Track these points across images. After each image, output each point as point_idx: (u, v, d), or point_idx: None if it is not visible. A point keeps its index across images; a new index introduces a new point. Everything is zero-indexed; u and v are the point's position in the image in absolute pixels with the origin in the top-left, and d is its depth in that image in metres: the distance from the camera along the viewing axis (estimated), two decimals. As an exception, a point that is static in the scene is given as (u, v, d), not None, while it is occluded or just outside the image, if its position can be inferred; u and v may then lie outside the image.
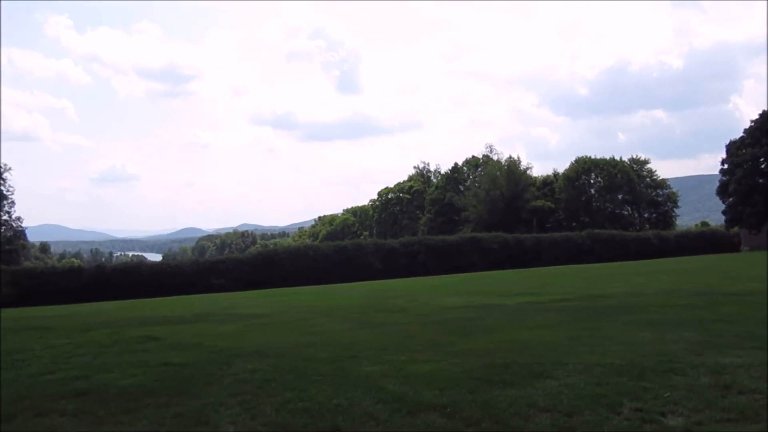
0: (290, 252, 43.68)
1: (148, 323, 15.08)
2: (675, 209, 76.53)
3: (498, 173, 72.23)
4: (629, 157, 77.95)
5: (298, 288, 31.70)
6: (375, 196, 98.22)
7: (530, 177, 75.65)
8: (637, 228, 68.81)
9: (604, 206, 74.03)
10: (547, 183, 77.32)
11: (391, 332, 11.43)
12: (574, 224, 68.26)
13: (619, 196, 74.33)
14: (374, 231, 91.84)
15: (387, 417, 5.46)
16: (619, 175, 72.97)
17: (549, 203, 72.48)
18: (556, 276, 27.82)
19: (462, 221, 74.11)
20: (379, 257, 43.01)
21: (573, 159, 77.12)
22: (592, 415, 5.28)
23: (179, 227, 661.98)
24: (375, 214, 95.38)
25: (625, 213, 75.08)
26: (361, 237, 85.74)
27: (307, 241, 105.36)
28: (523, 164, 75.31)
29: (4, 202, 58.59)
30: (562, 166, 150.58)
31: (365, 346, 9.58)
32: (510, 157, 75.97)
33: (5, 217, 59.47)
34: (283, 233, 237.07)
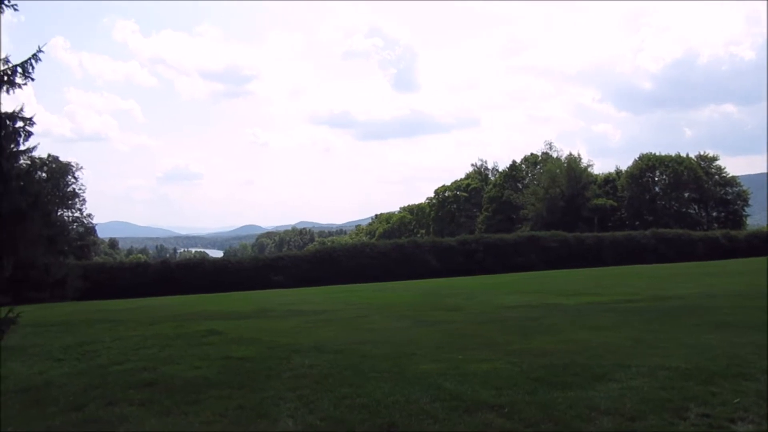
0: (347, 249, 43.99)
1: (210, 318, 15.52)
2: (745, 208, 73.20)
3: (557, 171, 70.76)
4: (696, 153, 74.97)
5: (355, 285, 31.93)
6: (432, 194, 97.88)
7: (591, 174, 73.77)
8: (705, 227, 66.16)
9: (670, 205, 71.53)
10: (609, 181, 75.27)
11: (448, 330, 11.39)
12: (637, 223, 66.22)
13: (686, 195, 71.63)
14: (431, 229, 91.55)
15: (444, 415, 5.45)
16: (685, 173, 70.33)
17: (611, 201, 70.56)
18: (618, 276, 27.08)
19: (520, 219, 73.00)
20: (436, 255, 42.81)
21: (636, 156, 74.76)
22: (657, 420, 5.14)
23: (239, 225, 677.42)
24: (432, 212, 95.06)
25: (692, 212, 72.30)
26: (418, 235, 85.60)
27: (363, 238, 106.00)
28: (584, 161, 73.46)
29: (77, 199, 61.21)
30: (624, 163, 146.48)
31: (421, 344, 9.59)
32: (570, 154, 74.27)
33: (77, 214, 62.15)
34: (340, 231, 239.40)
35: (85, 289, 32.71)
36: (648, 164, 72.50)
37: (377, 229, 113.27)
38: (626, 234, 48.86)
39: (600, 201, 69.59)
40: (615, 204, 70.82)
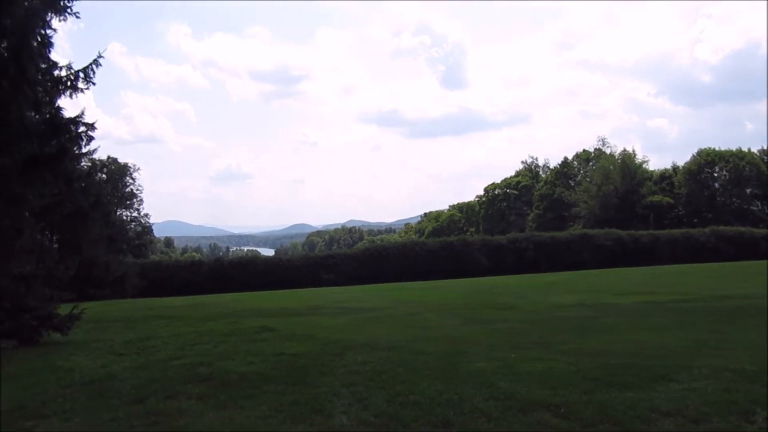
0: (397, 248, 44.09)
1: (263, 315, 15.78)
2: (812, 204, 69.91)
3: (611, 167, 69.12)
4: (759, 148, 72.05)
5: (405, 283, 31.96)
6: (481, 192, 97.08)
7: (646, 171, 71.80)
8: (768, 225, 63.57)
9: (730, 201, 68.96)
10: (666, 177, 73.07)
11: (500, 329, 11.28)
12: (695, 221, 64.08)
13: (748, 191, 68.94)
14: (481, 227, 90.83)
15: (498, 414, 5.40)
16: (747, 168, 67.68)
17: (667, 198, 68.50)
18: (675, 275, 26.31)
19: (572, 217, 71.67)
20: (486, 254, 42.48)
21: (694, 151, 72.32)
22: (722, 422, 4.96)
23: (290, 223, 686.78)
24: (481, 210, 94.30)
25: (754, 209, 69.53)
26: (468, 233, 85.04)
27: (413, 237, 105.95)
28: (639, 157, 71.56)
29: (134, 200, 63.18)
30: (682, 158, 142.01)
31: (474, 343, 9.52)
32: (624, 150, 72.44)
33: (135, 214, 64.12)
34: (389, 229, 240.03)
35: (143, 287, 33.91)
36: (707, 159, 70.08)
37: (426, 227, 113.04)
38: (684, 232, 47.41)
39: (656, 198, 67.67)
40: (672, 201, 68.73)
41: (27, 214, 10.46)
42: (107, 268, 29.60)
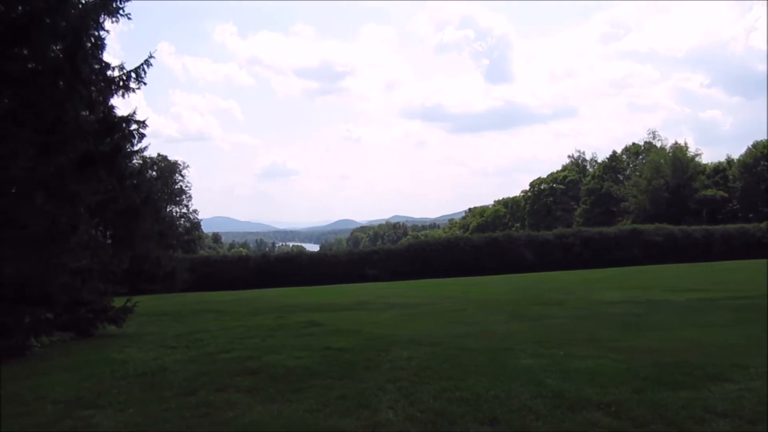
0: (441, 243, 43.97)
1: (309, 309, 15.96)
2: None
3: (662, 161, 67.31)
4: (818, 139, 69.05)
5: (450, 279, 31.83)
6: (527, 187, 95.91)
7: (699, 164, 69.64)
8: (830, 219, 60.92)
9: (788, 195, 66.33)
10: (719, 170, 70.71)
11: (548, 326, 11.14)
12: (751, 215, 61.82)
13: (806, 184, 66.20)
14: (526, 222, 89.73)
15: (546, 412, 5.33)
16: (806, 160, 65.00)
17: (721, 192, 66.32)
18: (729, 271, 25.49)
19: (621, 212, 70.12)
20: (532, 249, 41.99)
21: (750, 143, 69.79)
22: (781, 423, 4.79)
23: (334, 219, 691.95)
24: (527, 206, 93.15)
25: (814, 202, 66.71)
26: (513, 229, 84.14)
27: (457, 232, 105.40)
28: (691, 150, 69.47)
29: (183, 196, 64.56)
30: (736, 151, 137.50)
31: (521, 339, 9.42)
32: (675, 143, 70.40)
33: (184, 210, 65.54)
34: (433, 225, 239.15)
35: (192, 281, 34.70)
36: (763, 152, 67.48)
37: (471, 222, 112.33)
38: (739, 227, 45.85)
39: (709, 192, 65.61)
40: (726, 195, 66.54)
41: (82, 210, 10.80)
42: (158, 263, 30.35)
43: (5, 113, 9.03)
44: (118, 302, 12.22)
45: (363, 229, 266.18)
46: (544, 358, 7.60)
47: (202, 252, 67.35)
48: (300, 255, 44.81)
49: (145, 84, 12.37)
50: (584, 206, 78.33)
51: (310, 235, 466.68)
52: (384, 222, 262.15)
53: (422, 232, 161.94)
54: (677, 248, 41.70)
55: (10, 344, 9.44)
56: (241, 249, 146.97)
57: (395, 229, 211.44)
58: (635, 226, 47.31)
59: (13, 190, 9.23)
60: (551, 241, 42.93)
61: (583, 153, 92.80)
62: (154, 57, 12.47)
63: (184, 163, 64.96)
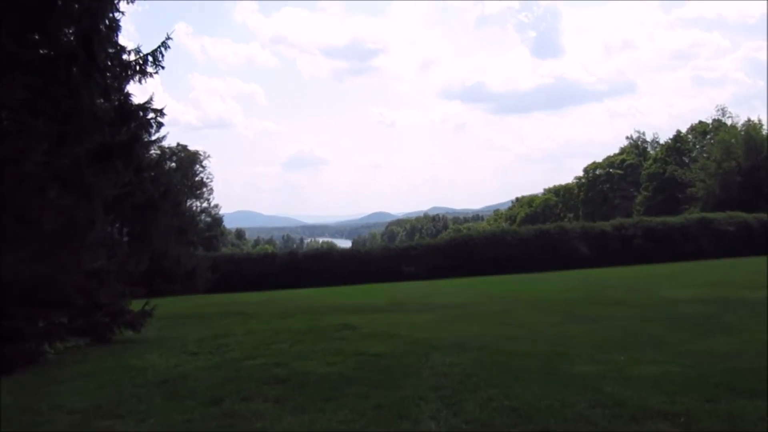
0: (485, 237, 43.67)
1: (342, 311, 16.05)
2: None
3: (732, 141, 65.58)
4: None
5: (495, 276, 31.66)
6: (581, 173, 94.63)
7: (775, 143, 67.79)
8: None
9: None
10: (800, 150, 68.73)
11: (607, 327, 11.00)
12: (838, 201, 60.04)
13: None
14: (580, 212, 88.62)
15: (606, 423, 5.27)
16: None
17: (803, 175, 64.43)
18: (814, 265, 24.75)
19: (687, 199, 68.61)
20: (587, 242, 41.41)
21: (836, 119, 67.60)
22: None
23: (368, 212, 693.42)
24: (581, 194, 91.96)
25: None
26: (566, 219, 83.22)
27: (503, 225, 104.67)
28: (766, 128, 67.69)
29: (204, 189, 65.39)
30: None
31: (577, 342, 9.34)
32: (748, 120, 68.53)
33: (205, 204, 66.38)
34: (476, 217, 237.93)
35: (214, 281, 35.19)
36: None
37: (518, 213, 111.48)
38: (825, 214, 44.49)
39: (789, 175, 63.79)
40: (809, 178, 64.61)
41: (98, 205, 11.00)
42: (178, 262, 30.86)
43: (20, 104, 9.22)
44: (136, 305, 12.45)
45: (399, 222, 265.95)
46: (603, 364, 7.52)
47: (224, 249, 68.20)
48: (330, 252, 44.98)
49: (162, 68, 12.51)
50: (645, 193, 76.93)
51: (341, 230, 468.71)
52: (422, 214, 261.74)
53: (464, 225, 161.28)
54: (752, 239, 40.63)
55: (22, 351, 9.62)
56: (266, 246, 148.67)
57: (434, 222, 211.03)
58: (704, 214, 46.21)
59: (26, 184, 9.42)
60: (609, 232, 42.27)
61: (643, 134, 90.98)
62: (171, 38, 12.59)
63: (204, 153, 65.63)
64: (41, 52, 9.80)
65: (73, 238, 10.00)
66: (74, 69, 9.94)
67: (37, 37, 9.73)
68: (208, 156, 65.93)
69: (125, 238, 14.78)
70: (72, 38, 10.13)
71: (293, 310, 16.94)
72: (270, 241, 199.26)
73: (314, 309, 16.89)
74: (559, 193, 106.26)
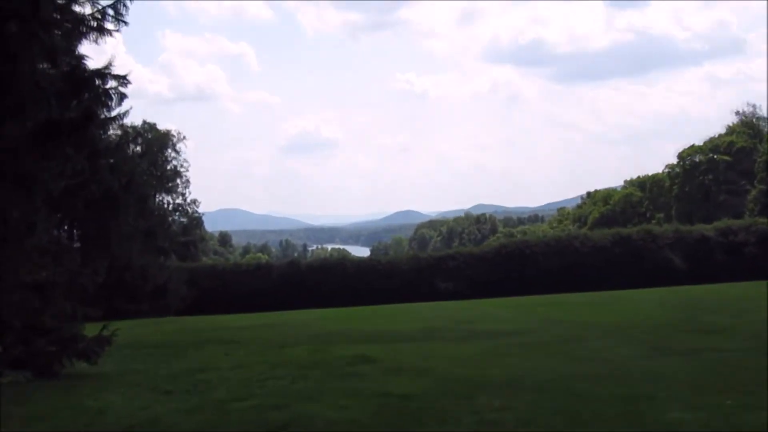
0: (546, 244, 43.54)
1: (358, 339, 16.08)
2: None
3: None
4: None
5: (559, 295, 31.49)
6: (673, 160, 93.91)
7: None
8: None
9: None
10: None
11: (707, 363, 10.93)
12: None
13: None
14: (673, 212, 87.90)
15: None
16: None
17: None
18: None
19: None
20: (682, 251, 41.15)
21: None
22: None
23: (391, 210, 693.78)
24: (674, 187, 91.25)
25: None
26: (653, 221, 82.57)
27: (570, 227, 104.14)
28: None
29: (179, 180, 65.47)
30: None
31: (667, 382, 9.29)
32: None
33: (179, 200, 66.44)
34: (534, 217, 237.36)
35: (192, 299, 35.45)
36: None
37: (590, 213, 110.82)
38: None
39: None
40: None
41: (41, 201, 11.07)
42: (144, 274, 31.10)
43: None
44: (91, 330, 12.53)
45: (432, 224, 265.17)
46: (703, 410, 7.48)
47: (205, 259, 68.52)
48: (343, 262, 45.11)
49: (126, 24, 12.59)
50: (761, 187, 76.18)
51: (356, 234, 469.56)
52: (462, 214, 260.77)
53: (518, 228, 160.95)
54: None
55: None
56: (259, 254, 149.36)
57: (479, 223, 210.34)
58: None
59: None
60: (711, 238, 41.97)
61: (758, 107, 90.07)
62: (137, -15, 12.68)
63: (179, 133, 65.71)
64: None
65: (8, 243, 10.07)
66: (11, 25, 10.01)
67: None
68: (184, 137, 66.13)
69: (77, 243, 14.89)
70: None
71: (294, 337, 16.99)
72: (264, 248, 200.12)
73: (322, 336, 16.94)
74: (644, 186, 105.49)
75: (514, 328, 17.18)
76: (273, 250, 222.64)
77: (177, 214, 65.87)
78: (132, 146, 54.23)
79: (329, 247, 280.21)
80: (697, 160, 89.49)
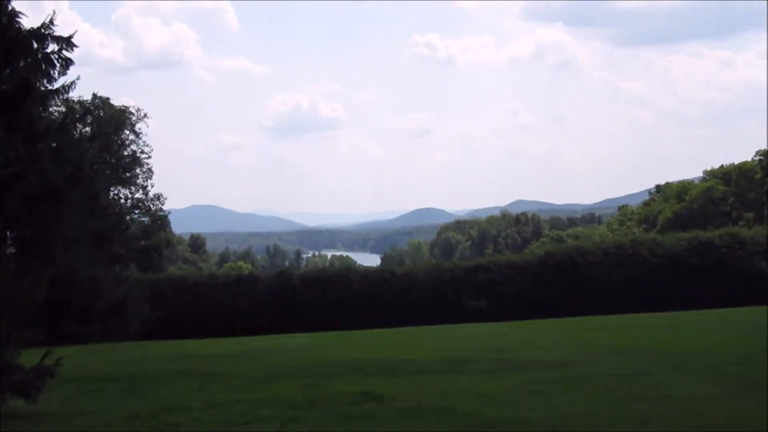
0: (605, 251, 43.27)
1: (363, 371, 16.10)
2: None
3: None
4: None
5: (620, 317, 31.40)
6: (766, 145, 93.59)
7: None
8: None
9: None
10: None
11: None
12: None
13: None
14: (766, 211, 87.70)
15: None
16: None
17: None
18: None
19: None
20: (778, 261, 40.98)
21: None
22: None
23: (408, 208, 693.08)
24: (767, 180, 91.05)
25: None
26: (741, 223, 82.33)
27: (635, 230, 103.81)
28: None
29: (138, 170, 65.25)
30: None
31: (761, 428, 9.25)
32: None
33: (139, 195, 66.31)
34: (589, 217, 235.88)
35: (156, 320, 35.44)
36: None
37: (661, 211, 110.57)
38: None
39: None
40: None
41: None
42: (96, 289, 31.11)
43: None
44: (30, 358, 12.56)
45: (459, 225, 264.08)
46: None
47: (173, 269, 68.55)
48: (346, 273, 44.98)
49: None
50: None
51: (363, 237, 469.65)
52: (498, 212, 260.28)
53: (569, 231, 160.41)
54: None
55: None
56: (240, 263, 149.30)
57: (519, 225, 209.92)
58: None
59: None
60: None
61: None
62: None
63: (139, 110, 65.42)
64: None
65: None
66: None
67: None
68: (145, 115, 65.86)
69: (11, 250, 14.89)
70: None
71: (284, 368, 17.02)
72: (247, 255, 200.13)
73: (319, 367, 16.96)
74: (729, 178, 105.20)
75: (561, 358, 17.19)
76: (258, 257, 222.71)
77: (137, 212, 65.80)
78: (80, 127, 54.11)
79: (329, 254, 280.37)
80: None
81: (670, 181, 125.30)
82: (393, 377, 15.05)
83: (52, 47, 13.44)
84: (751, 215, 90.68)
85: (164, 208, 69.16)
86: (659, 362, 15.89)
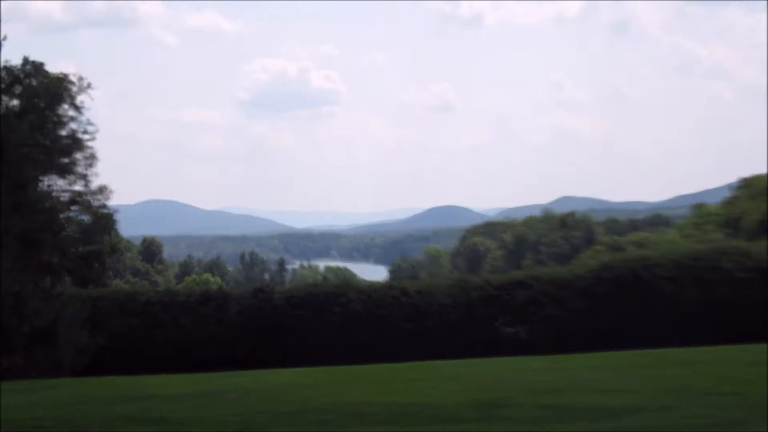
0: (677, 262, 43.20)
1: (366, 418, 15.95)
2: None
3: None
4: None
5: (701, 349, 31.34)
6: None
7: None
8: None
9: None
10: None
11: None
12: None
13: None
14: None
15: None
16: None
17: None
18: None
19: None
20: None
21: None
22: None
23: (423, 206, 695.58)
24: None
25: None
26: None
27: (715, 236, 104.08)
28: None
29: (78, 155, 65.20)
30: None
31: None
32: None
33: (79, 187, 66.26)
34: (654, 219, 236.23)
35: (99, 349, 35.40)
36: None
37: (747, 212, 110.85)
38: None
39: None
40: None
41: None
42: (20, 309, 31.07)
43: None
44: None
45: (489, 228, 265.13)
46: None
47: (119, 282, 68.78)
48: (344, 290, 44.94)
49: None
50: None
51: (365, 243, 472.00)
52: (538, 212, 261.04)
53: (630, 237, 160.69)
54: None
55: None
56: (207, 275, 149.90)
57: (566, 228, 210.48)
58: None
59: None
60: None
61: None
62: None
63: (81, 79, 65.37)
64: None
65: None
66: None
67: None
68: (89, 85, 65.86)
69: None
70: None
71: (264, 414, 16.92)
72: (215, 265, 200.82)
73: (308, 413, 16.84)
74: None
75: (627, 402, 17.06)
76: (229, 268, 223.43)
77: (75, 208, 65.87)
78: (5, 99, 54.24)
79: (321, 264, 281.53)
80: None
81: (758, 173, 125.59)
82: (406, 425, 14.87)
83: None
84: None
85: (110, 204, 69.27)
86: (757, 409, 15.70)
